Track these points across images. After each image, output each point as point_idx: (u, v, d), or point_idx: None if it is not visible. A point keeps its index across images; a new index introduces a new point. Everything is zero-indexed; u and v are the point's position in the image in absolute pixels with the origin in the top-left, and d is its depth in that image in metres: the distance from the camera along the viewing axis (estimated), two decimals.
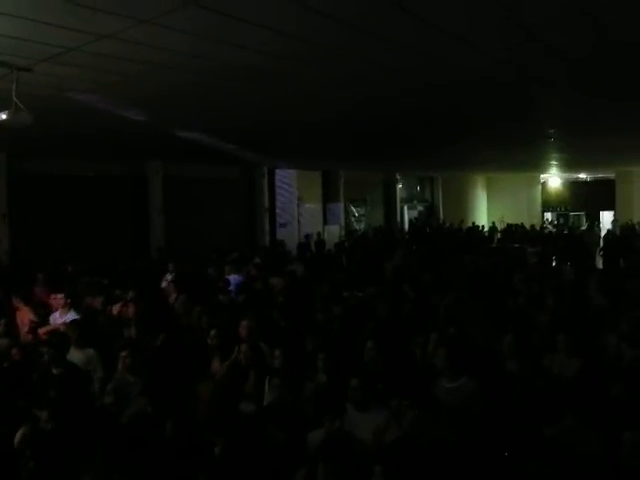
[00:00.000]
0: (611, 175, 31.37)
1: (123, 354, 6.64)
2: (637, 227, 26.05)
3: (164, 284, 11.71)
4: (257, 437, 4.96)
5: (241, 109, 9.86)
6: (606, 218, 32.48)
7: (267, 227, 20.96)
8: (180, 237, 17.30)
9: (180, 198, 17.99)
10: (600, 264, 18.86)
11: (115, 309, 9.45)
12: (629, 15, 5.85)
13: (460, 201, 31.38)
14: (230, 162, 19.28)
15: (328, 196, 23.47)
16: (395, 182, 26.85)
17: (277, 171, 21.28)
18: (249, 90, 8.27)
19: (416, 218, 29.73)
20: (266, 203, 20.88)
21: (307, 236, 21.44)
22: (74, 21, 5.05)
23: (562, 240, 21.38)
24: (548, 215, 35.30)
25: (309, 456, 4.55)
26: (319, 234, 21.86)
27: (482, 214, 33.14)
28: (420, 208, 30.46)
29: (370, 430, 5.08)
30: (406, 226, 28.04)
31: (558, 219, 35.30)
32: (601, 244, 22.77)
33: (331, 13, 5.13)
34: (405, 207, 29.01)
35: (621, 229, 26.38)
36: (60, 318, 8.76)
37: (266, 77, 7.45)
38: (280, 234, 21.26)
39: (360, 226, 25.55)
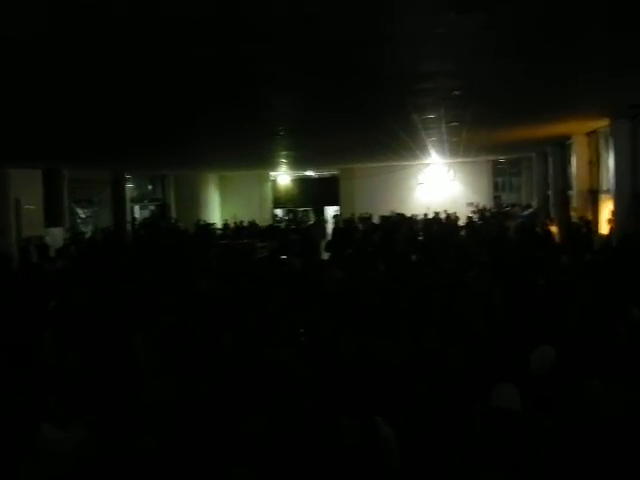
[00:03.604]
0: (336, 172, 33.37)
1: None
2: (370, 220, 27.89)
3: None
4: None
5: None
6: (331, 213, 34.51)
7: None
8: None
9: None
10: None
11: None
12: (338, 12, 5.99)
13: (193, 200, 31.14)
14: None
15: (50, 197, 21.78)
16: (124, 181, 25.78)
17: None
18: None
19: (149, 217, 28.98)
20: None
21: (28, 240, 19.70)
22: None
23: (291, 234, 22.12)
24: (279, 211, 36.59)
25: None
26: (41, 238, 20.18)
27: (215, 212, 33.27)
28: (152, 207, 29.72)
29: (73, 446, 4.58)
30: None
31: (287, 215, 36.75)
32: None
33: None
34: (136, 207, 28.09)
35: (343, 222, 28.10)
36: None
37: None
38: None
39: (87, 228, 24.14)
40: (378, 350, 5.79)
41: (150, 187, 29.48)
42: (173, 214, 29.27)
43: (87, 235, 23.30)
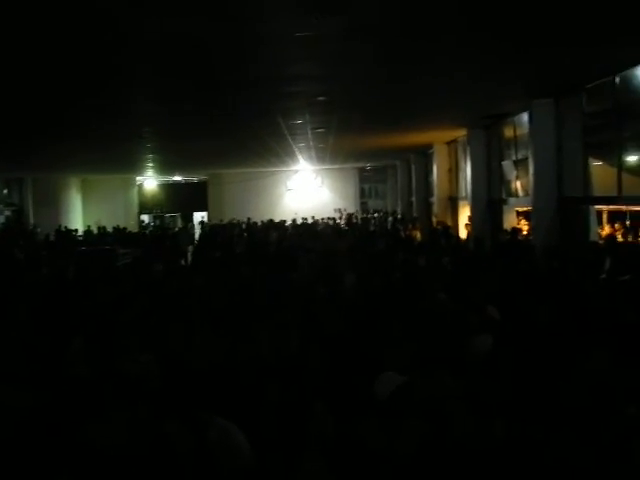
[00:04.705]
0: (204, 177, 32.94)
1: None
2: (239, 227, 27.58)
3: None
4: None
5: None
6: (199, 219, 33.99)
7: None
8: None
9: None
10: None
11: None
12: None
13: (53, 204, 29.58)
14: None
15: None
16: None
17: None
18: None
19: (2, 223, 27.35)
20: None
21: None
22: None
23: (156, 240, 21.61)
24: (145, 217, 35.53)
25: None
26: None
27: (78, 218, 31.83)
28: (8, 213, 28.01)
29: None
30: None
31: (154, 221, 35.78)
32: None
33: None
34: None
35: (210, 228, 27.70)
36: None
37: None
38: None
39: None
40: (233, 353, 5.69)
41: (5, 191, 27.80)
42: (31, 219, 27.74)
43: None
